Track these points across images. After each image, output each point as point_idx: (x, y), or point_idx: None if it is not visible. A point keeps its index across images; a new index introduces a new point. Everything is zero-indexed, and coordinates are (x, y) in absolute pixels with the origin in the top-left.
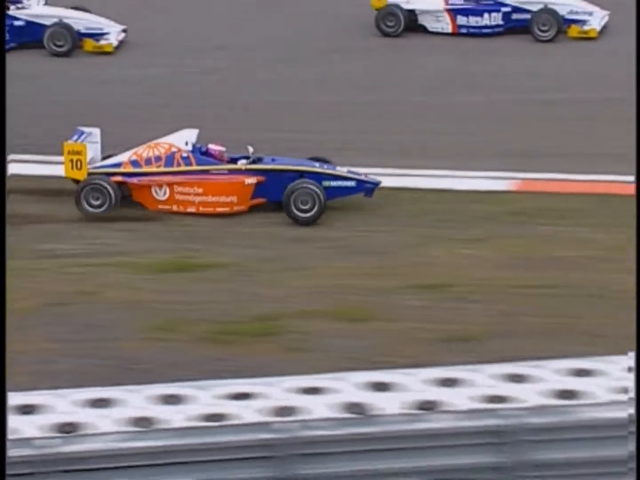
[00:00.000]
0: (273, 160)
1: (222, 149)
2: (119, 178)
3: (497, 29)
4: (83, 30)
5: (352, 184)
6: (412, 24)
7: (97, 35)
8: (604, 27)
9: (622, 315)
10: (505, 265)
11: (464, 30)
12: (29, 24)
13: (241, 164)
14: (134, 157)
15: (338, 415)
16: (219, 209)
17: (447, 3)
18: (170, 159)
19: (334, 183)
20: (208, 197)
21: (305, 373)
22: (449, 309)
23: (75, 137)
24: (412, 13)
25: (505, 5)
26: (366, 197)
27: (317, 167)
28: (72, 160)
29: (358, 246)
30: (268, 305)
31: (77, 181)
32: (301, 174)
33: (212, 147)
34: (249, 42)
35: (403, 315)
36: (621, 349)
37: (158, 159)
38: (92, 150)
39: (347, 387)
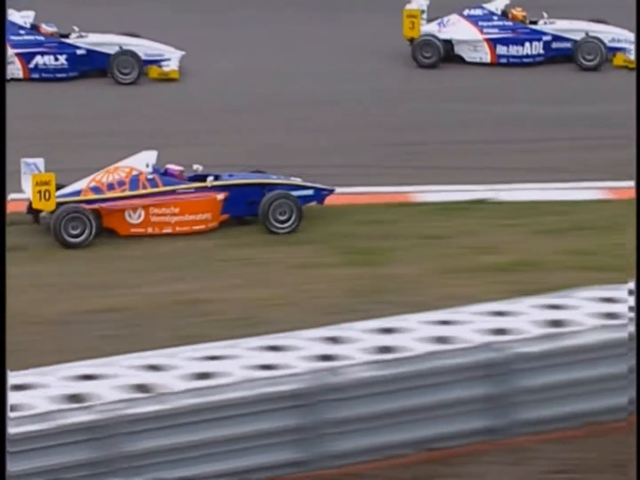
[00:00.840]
0: (230, 176)
1: (181, 168)
2: (91, 205)
3: (538, 58)
4: (145, 57)
5: (310, 192)
6: (447, 54)
7: (158, 62)
8: None
9: None
10: None
11: (503, 60)
12: (91, 52)
13: (209, 181)
14: (94, 184)
15: None
16: (195, 227)
17: (483, 32)
18: (134, 182)
19: (295, 193)
20: (185, 217)
21: None
22: None
23: (23, 170)
24: (448, 43)
25: (545, 34)
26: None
27: (277, 179)
28: (40, 192)
29: None
30: None
31: (36, 212)
32: (263, 187)
33: (170, 167)
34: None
35: None
36: None
37: (121, 183)
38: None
39: None
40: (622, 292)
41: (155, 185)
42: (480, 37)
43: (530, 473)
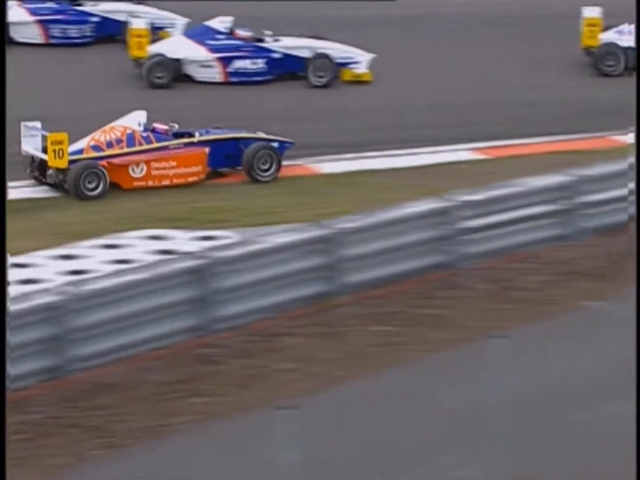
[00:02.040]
0: (207, 132)
1: (167, 127)
2: (99, 161)
3: None
4: (337, 60)
5: (276, 145)
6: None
7: (350, 64)
8: None
9: None
10: None
11: None
12: (287, 56)
13: (197, 136)
14: (93, 143)
15: None
16: (190, 179)
17: None
18: (131, 140)
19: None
20: (181, 169)
21: None
22: None
23: (23, 133)
24: (629, 51)
25: None
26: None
27: (247, 133)
28: (54, 150)
29: None
30: None
31: (41, 171)
32: (238, 141)
33: (158, 125)
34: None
35: None
36: None
37: (119, 141)
38: (32, 142)
39: None
40: None
41: (150, 142)
42: None
43: None
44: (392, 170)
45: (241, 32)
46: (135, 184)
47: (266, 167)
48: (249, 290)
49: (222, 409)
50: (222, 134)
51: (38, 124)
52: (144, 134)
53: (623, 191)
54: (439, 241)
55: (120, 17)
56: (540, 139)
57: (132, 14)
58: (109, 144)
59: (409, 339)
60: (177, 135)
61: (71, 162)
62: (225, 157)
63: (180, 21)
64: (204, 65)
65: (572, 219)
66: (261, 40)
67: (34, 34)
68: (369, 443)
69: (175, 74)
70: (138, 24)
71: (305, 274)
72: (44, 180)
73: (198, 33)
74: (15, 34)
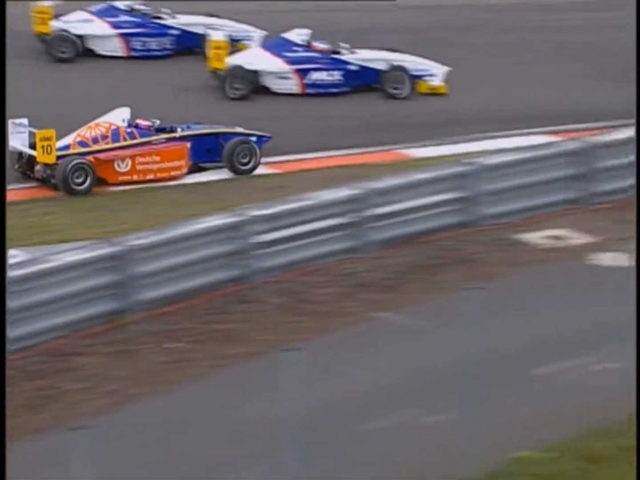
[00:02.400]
0: (188, 127)
1: (149, 123)
2: (86, 157)
3: None
4: (413, 72)
5: (255, 139)
6: None
7: (425, 77)
8: None
9: None
10: None
11: None
12: (363, 68)
13: (180, 131)
14: (79, 139)
15: None
16: (173, 173)
17: None
18: (115, 136)
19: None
20: (164, 164)
21: None
22: None
23: (11, 129)
24: None
25: None
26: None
27: (227, 128)
28: (43, 146)
29: None
30: None
31: (28, 166)
32: (217, 136)
33: (141, 122)
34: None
35: None
36: None
37: (104, 137)
38: (20, 138)
39: None
40: None
41: (134, 138)
42: None
43: None
44: (184, 185)
45: (318, 45)
46: (121, 178)
47: (246, 160)
48: (38, 310)
49: (13, 432)
50: (203, 129)
51: (25, 121)
52: (128, 130)
53: (410, 204)
54: (231, 256)
55: (199, 30)
56: (326, 153)
57: (210, 27)
58: (95, 140)
59: (202, 355)
60: (159, 130)
61: (59, 157)
62: (206, 151)
63: (257, 33)
64: (281, 76)
65: (360, 232)
66: (338, 53)
67: (116, 47)
68: (164, 459)
69: (252, 85)
70: (217, 37)
71: (96, 292)
72: (31, 175)
73: (275, 45)
74: (98, 47)
